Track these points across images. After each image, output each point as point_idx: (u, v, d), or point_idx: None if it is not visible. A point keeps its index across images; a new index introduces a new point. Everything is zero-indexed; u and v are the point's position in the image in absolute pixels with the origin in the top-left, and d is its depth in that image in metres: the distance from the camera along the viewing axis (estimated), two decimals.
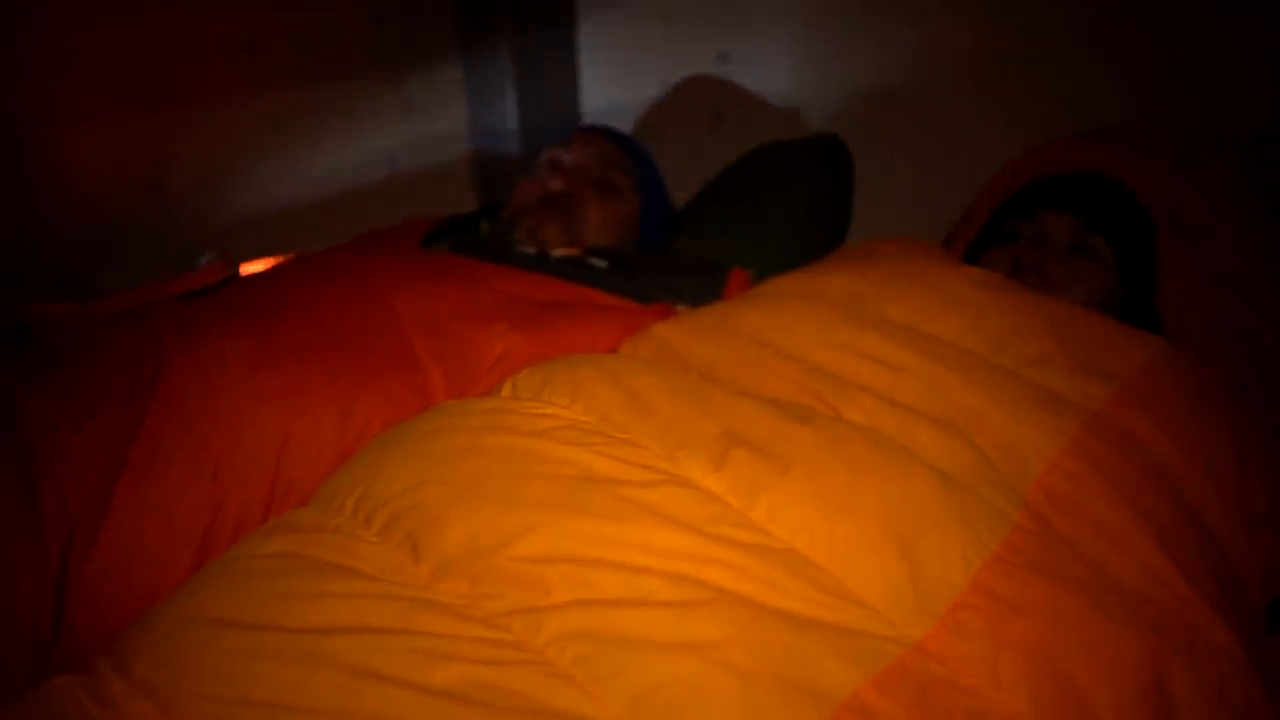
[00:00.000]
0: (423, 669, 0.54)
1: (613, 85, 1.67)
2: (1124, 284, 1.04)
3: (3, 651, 0.70)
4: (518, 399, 0.76)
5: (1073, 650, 0.60)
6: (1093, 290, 1.01)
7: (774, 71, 1.60)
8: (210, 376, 0.82)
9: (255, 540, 0.68)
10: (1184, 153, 1.15)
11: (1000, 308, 0.88)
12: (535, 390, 0.76)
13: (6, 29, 1.14)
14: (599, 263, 1.10)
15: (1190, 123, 1.25)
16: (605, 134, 1.33)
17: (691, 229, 1.33)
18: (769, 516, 0.64)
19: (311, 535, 0.66)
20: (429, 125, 1.59)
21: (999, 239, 1.08)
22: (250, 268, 1.04)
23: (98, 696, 0.54)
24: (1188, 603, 0.66)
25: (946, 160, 1.41)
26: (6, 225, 1.19)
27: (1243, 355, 1.00)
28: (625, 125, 1.58)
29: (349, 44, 1.48)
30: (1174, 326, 1.04)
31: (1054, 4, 1.34)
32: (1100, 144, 1.17)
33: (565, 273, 1.05)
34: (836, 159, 1.38)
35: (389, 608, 0.58)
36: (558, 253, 1.11)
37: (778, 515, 0.64)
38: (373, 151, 1.53)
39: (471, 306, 0.93)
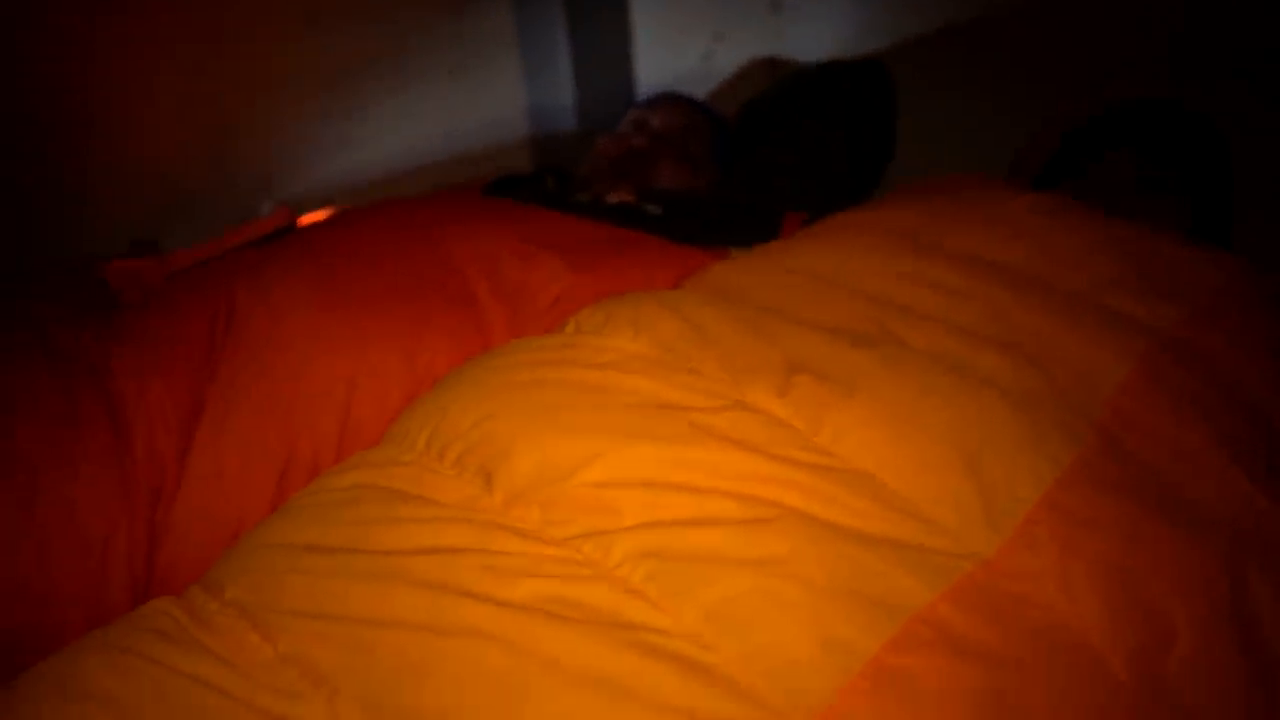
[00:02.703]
0: (500, 585, 0.55)
1: (665, 39, 1.66)
2: (1199, 212, 1.01)
3: (104, 592, 0.74)
4: (580, 334, 0.77)
5: (1148, 564, 0.59)
6: (1162, 226, 0.99)
7: (827, 17, 1.58)
8: (280, 322, 0.85)
9: (332, 476, 0.70)
10: (1253, 72, 1.12)
11: (1064, 231, 0.86)
12: (598, 326, 0.77)
13: (77, 10, 1.18)
14: (653, 209, 1.11)
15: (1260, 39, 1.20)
16: (691, 104, 1.34)
17: (738, 171, 1.33)
18: (834, 438, 0.64)
19: (387, 469, 0.68)
20: (484, 89, 1.61)
21: (1066, 174, 1.06)
22: (310, 217, 1.07)
23: (194, 615, 0.57)
24: (1266, 516, 0.65)
25: (1005, 96, 1.38)
26: (82, 192, 1.23)
27: None
28: (680, 78, 1.57)
29: (405, 13, 1.49)
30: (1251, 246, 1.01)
31: None
32: (1166, 73, 1.14)
33: (619, 219, 1.06)
34: (879, 84, 1.36)
35: (464, 531, 0.60)
36: (612, 198, 1.12)
37: (843, 437, 0.64)
38: (428, 118, 1.55)
39: (528, 247, 0.95)
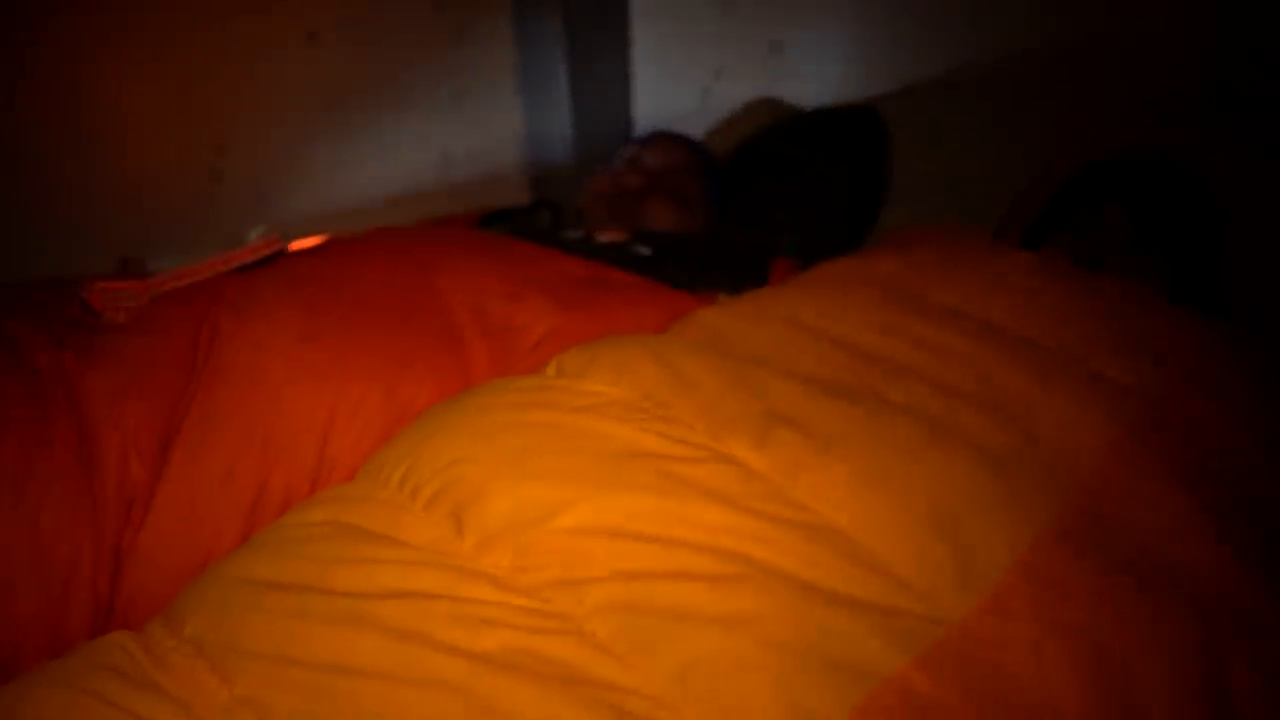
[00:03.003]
0: (467, 635, 0.54)
1: (664, 76, 1.67)
2: (1191, 265, 1.02)
3: (64, 617, 0.72)
4: (562, 376, 0.76)
5: (1124, 637, 0.58)
6: (1151, 281, 0.99)
7: (827, 61, 1.59)
8: (260, 350, 0.83)
9: (303, 510, 0.69)
10: (1249, 129, 1.13)
11: (1050, 290, 0.86)
12: (580, 369, 0.76)
13: (74, 25, 1.18)
14: (643, 249, 1.10)
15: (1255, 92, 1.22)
16: (688, 144, 1.34)
17: (733, 207, 1.33)
18: (811, 494, 0.64)
19: (358, 505, 0.67)
20: (481, 118, 1.61)
21: (1059, 227, 1.06)
22: (300, 244, 1.06)
23: (150, 651, 0.56)
24: (1249, 591, 0.64)
25: (999, 147, 1.38)
26: (71, 209, 1.23)
27: None
28: (678, 115, 1.58)
29: (405, 37, 1.50)
30: (1241, 308, 1.01)
31: None
32: (1164, 122, 1.15)
33: (609, 258, 1.06)
34: (875, 128, 1.37)
35: (434, 576, 0.59)
36: (603, 237, 1.12)
37: (819, 493, 0.64)
38: (425, 144, 1.55)
39: (516, 285, 0.94)
